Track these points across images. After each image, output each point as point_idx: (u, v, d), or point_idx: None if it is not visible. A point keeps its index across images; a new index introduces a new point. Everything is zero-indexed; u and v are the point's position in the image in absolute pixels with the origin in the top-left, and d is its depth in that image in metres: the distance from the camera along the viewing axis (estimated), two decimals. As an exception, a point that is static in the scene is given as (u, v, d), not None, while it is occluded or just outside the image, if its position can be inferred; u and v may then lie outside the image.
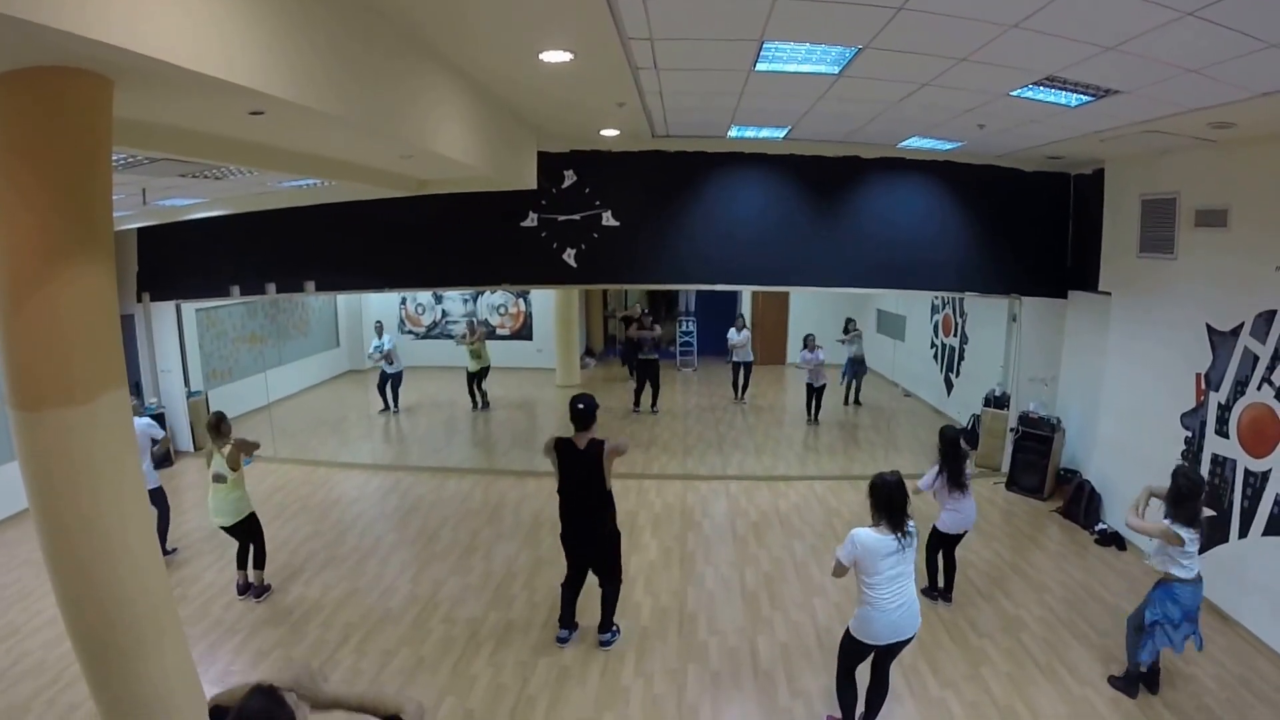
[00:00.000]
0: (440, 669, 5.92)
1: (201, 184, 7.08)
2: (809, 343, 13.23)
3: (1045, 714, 5.31)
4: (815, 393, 13.30)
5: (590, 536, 6.07)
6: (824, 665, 5.94)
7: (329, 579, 7.35)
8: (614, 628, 6.30)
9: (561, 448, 5.93)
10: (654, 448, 11.84)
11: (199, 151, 5.03)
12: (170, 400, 11.23)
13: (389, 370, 13.85)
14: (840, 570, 4.82)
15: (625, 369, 15.93)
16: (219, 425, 6.95)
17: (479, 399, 14.40)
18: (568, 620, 6.30)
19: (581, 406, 5.86)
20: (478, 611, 6.79)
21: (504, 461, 11.37)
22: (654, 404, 14.20)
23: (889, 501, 4.76)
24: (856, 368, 14.51)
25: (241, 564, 7.09)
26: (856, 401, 14.73)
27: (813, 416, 13.43)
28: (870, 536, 4.71)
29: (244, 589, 7.06)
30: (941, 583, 7.01)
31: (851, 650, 4.90)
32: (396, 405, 14.10)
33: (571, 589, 6.27)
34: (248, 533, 7.04)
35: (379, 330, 14.05)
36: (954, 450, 6.78)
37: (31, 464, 3.43)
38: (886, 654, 4.90)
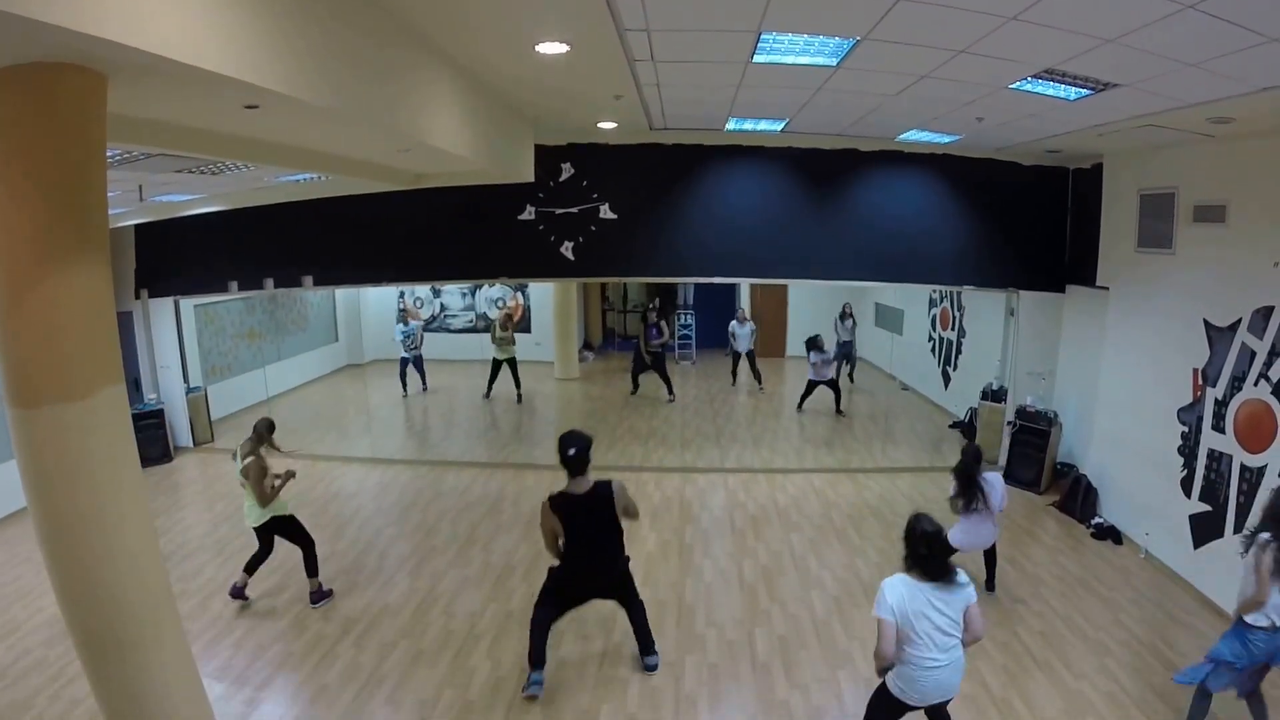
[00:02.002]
0: (439, 662, 5.93)
1: (198, 179, 7.07)
2: (820, 344, 13.11)
3: (1041, 707, 5.33)
4: (831, 385, 13.33)
5: (608, 579, 5.59)
6: (822, 658, 5.96)
7: (328, 573, 7.33)
8: (655, 649, 5.87)
9: (562, 504, 5.26)
10: (652, 440, 11.85)
11: (195, 146, 5.02)
12: (169, 396, 11.21)
13: (409, 355, 14.68)
14: (888, 641, 4.00)
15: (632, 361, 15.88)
16: (264, 431, 6.73)
17: (490, 389, 14.68)
18: (541, 657, 5.50)
19: (574, 452, 5.18)
20: (476, 604, 6.80)
21: (503, 455, 11.37)
22: (669, 393, 14.49)
23: (926, 548, 4.09)
24: (848, 350, 14.91)
25: (249, 568, 6.85)
26: (850, 379, 15.21)
27: (838, 408, 13.48)
28: (903, 581, 4.07)
29: (238, 593, 6.81)
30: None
31: (884, 707, 4.31)
32: (424, 384, 15.03)
33: (549, 623, 5.60)
34: (268, 539, 6.82)
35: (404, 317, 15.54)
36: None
37: (30, 461, 3.44)
38: (934, 712, 4.34)
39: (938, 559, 4.08)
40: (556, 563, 5.56)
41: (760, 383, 15.33)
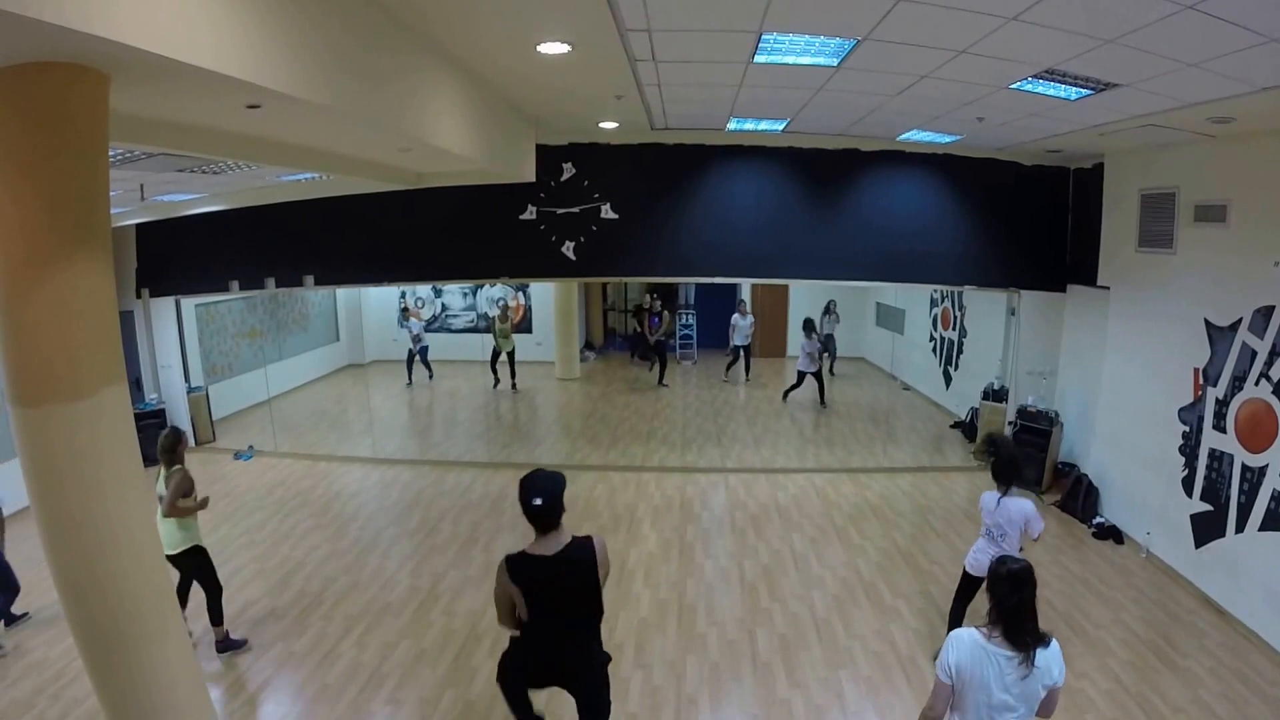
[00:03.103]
0: (441, 662, 5.93)
1: (200, 179, 7.08)
2: (813, 327, 13.76)
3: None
4: (816, 376, 13.74)
5: (577, 668, 4.01)
6: (822, 657, 5.96)
7: (330, 572, 7.36)
8: None
9: (523, 569, 3.74)
10: (653, 440, 11.85)
11: (197, 146, 5.02)
12: (170, 396, 11.22)
13: (415, 347, 15.86)
14: (941, 701, 3.40)
15: (630, 356, 17.74)
16: (174, 449, 5.83)
17: (497, 377, 15.38)
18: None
19: (540, 502, 3.66)
20: (478, 604, 6.80)
21: (504, 454, 11.37)
22: (661, 376, 15.67)
23: (1015, 594, 3.29)
24: (827, 343, 15.44)
25: (214, 619, 6.08)
26: (830, 373, 15.70)
27: (821, 400, 13.97)
28: (974, 642, 3.31)
29: (223, 645, 6.09)
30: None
31: None
32: (429, 372, 16.10)
33: (520, 691, 4.21)
34: (187, 569, 5.94)
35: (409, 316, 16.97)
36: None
37: (33, 460, 3.45)
38: None
39: (1028, 613, 3.27)
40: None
41: (747, 376, 15.88)
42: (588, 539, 3.82)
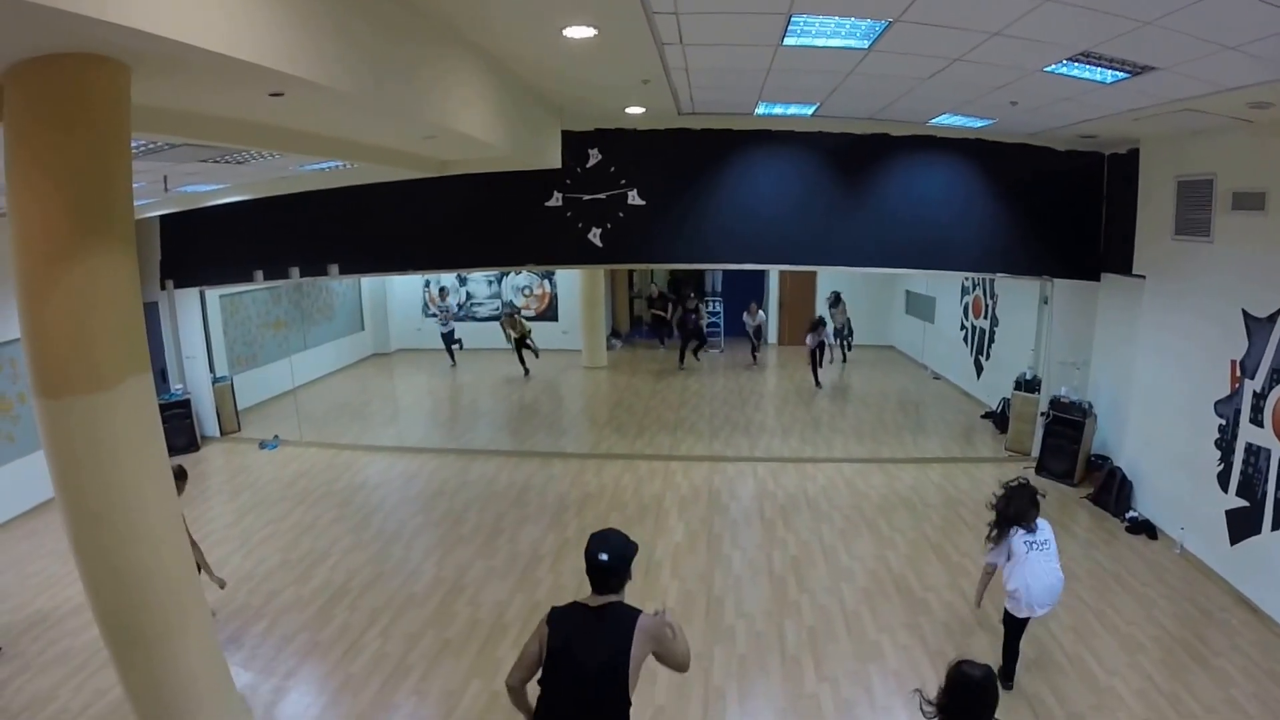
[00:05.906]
0: (466, 652, 5.92)
1: (223, 169, 7.06)
2: (818, 326, 14.69)
3: (1072, 702, 5.23)
4: (815, 358, 14.76)
5: None
6: (851, 650, 5.89)
7: (354, 563, 7.37)
8: None
9: (563, 617, 3.25)
10: (680, 429, 11.81)
11: (219, 136, 5.01)
12: (195, 386, 11.28)
13: (444, 329, 16.62)
14: None
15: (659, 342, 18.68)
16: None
17: (525, 368, 15.88)
18: None
19: (605, 559, 3.19)
20: (503, 594, 6.79)
21: (529, 444, 11.36)
22: (697, 354, 16.70)
23: (964, 707, 2.98)
24: (842, 330, 16.70)
25: None
26: (844, 359, 16.81)
27: (816, 380, 14.86)
28: None
29: None
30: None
31: None
32: (453, 358, 16.81)
33: None
34: None
35: (443, 294, 17.66)
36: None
37: (57, 450, 3.46)
38: None
39: None
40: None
41: (754, 358, 17.00)
42: (636, 612, 3.19)
